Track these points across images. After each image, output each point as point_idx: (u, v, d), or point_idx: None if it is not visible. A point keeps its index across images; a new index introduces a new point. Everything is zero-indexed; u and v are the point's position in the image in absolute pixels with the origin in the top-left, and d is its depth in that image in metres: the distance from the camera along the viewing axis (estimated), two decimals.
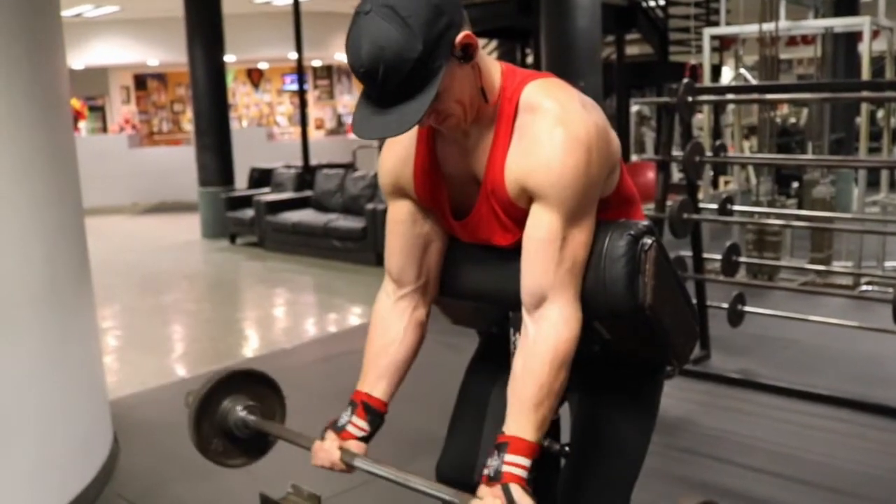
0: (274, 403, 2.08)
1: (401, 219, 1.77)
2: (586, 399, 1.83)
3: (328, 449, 1.78)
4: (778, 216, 6.00)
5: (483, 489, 1.52)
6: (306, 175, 10.22)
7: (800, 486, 3.32)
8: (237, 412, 1.95)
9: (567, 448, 1.81)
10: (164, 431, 4.17)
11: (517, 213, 1.59)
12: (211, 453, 1.99)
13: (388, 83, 1.45)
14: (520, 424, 1.54)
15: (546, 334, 1.55)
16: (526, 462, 1.51)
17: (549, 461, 1.81)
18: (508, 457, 1.51)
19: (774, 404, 4.17)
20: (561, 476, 1.82)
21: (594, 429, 1.80)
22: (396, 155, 1.75)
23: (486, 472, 1.54)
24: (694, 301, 1.90)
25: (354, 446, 1.79)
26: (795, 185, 8.62)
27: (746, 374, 4.49)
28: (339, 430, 1.82)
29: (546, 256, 1.54)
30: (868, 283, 6.10)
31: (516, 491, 1.47)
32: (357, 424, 1.83)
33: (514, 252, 1.60)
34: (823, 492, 3.27)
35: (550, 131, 1.52)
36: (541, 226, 1.55)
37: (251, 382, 2.04)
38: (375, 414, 1.85)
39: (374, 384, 1.87)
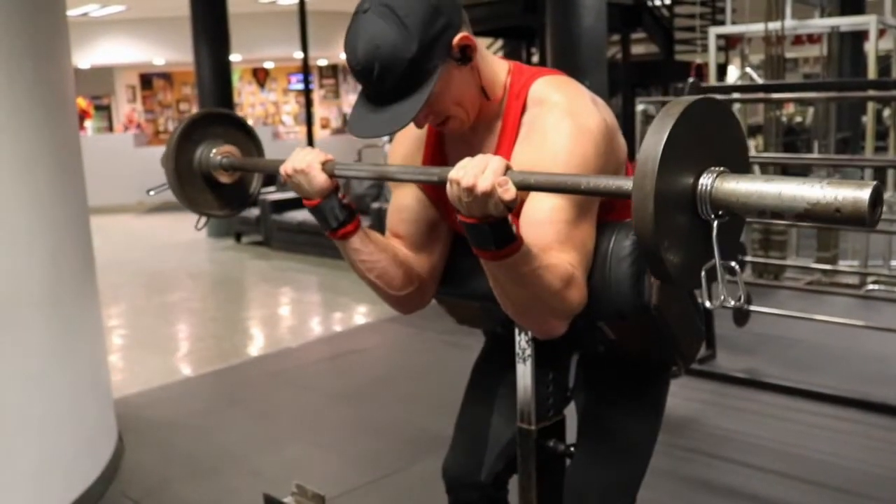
0: (251, 150, 2.02)
1: (407, 202, 1.76)
2: (592, 399, 1.83)
3: (311, 153, 1.63)
4: None
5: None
6: None
7: (805, 486, 3.31)
8: (212, 155, 1.90)
9: (573, 448, 1.81)
10: (169, 430, 4.18)
11: (521, 209, 1.59)
12: (193, 201, 1.92)
13: (382, 82, 1.46)
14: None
15: (555, 257, 1.47)
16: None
17: (555, 461, 1.81)
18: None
19: (780, 404, 4.16)
20: (567, 476, 1.81)
21: (600, 428, 1.80)
22: (406, 148, 1.75)
23: None
24: (699, 302, 1.89)
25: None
26: None
27: (752, 374, 4.48)
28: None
29: (549, 234, 1.49)
30: (874, 283, 6.09)
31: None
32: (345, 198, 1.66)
33: None
34: (829, 491, 3.26)
35: (558, 122, 1.52)
36: (543, 208, 1.50)
37: (225, 127, 1.97)
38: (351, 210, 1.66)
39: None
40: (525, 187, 1.33)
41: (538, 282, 1.43)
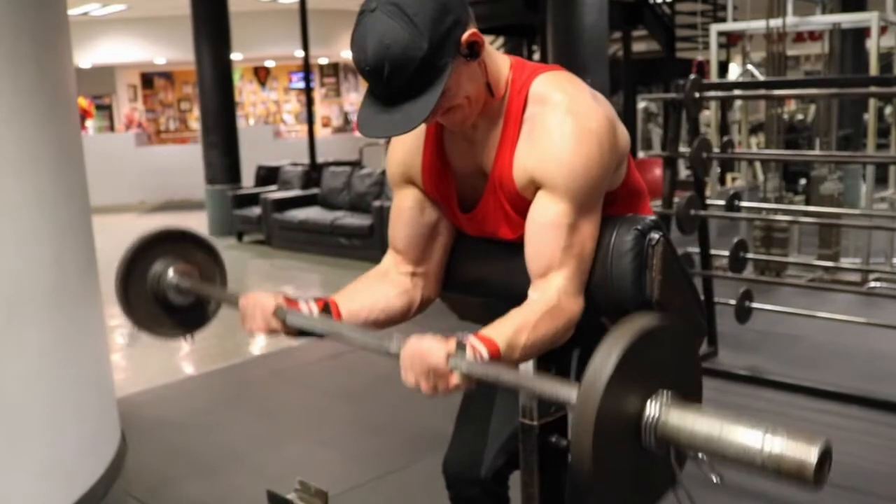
0: (213, 270, 1.98)
1: (408, 205, 1.77)
2: None
3: (263, 301, 1.69)
4: (785, 212, 5.98)
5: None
6: (313, 173, 10.22)
7: None
8: (168, 274, 1.86)
9: None
10: (172, 429, 4.18)
11: (524, 206, 1.59)
12: (141, 319, 1.89)
13: (393, 81, 1.45)
14: (492, 329, 1.47)
15: (547, 297, 1.53)
16: (483, 349, 1.41)
17: (557, 457, 1.81)
18: (472, 339, 1.44)
19: (782, 401, 4.16)
20: (570, 471, 1.81)
21: None
22: (406, 146, 1.75)
23: None
24: (701, 297, 1.89)
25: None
26: (803, 181, 8.59)
27: (754, 371, 4.48)
28: (288, 300, 1.71)
29: (552, 240, 1.52)
30: (876, 280, 6.08)
31: (469, 350, 1.41)
32: (310, 304, 1.71)
33: (520, 246, 1.60)
34: (832, 488, 3.24)
35: (561, 123, 1.52)
36: (547, 213, 1.53)
37: (186, 246, 1.93)
38: (329, 314, 1.72)
39: (343, 306, 1.75)
40: (471, 374, 1.37)
41: (539, 341, 1.50)
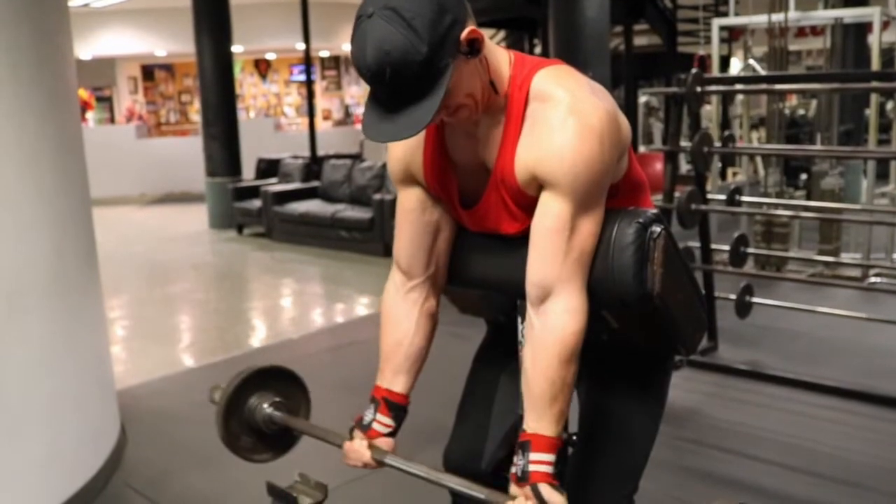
0: (299, 399, 2.11)
1: (410, 207, 1.77)
2: (594, 388, 1.83)
3: (358, 448, 1.84)
4: (786, 207, 5.98)
5: (514, 489, 1.55)
6: (314, 165, 10.21)
7: (808, 478, 3.31)
8: (264, 409, 1.97)
9: (575, 437, 1.81)
10: (172, 421, 4.19)
11: (525, 201, 1.59)
12: (240, 450, 2.00)
13: (395, 86, 1.45)
14: (539, 422, 1.55)
15: (553, 327, 1.55)
16: (550, 458, 1.54)
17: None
18: (533, 455, 1.54)
19: (782, 395, 4.16)
20: (569, 465, 1.81)
21: (602, 418, 1.80)
22: (406, 143, 1.74)
23: (513, 470, 1.57)
24: (702, 291, 1.89)
25: (383, 443, 1.86)
26: (804, 176, 8.59)
27: (754, 366, 4.48)
28: (366, 429, 1.87)
29: (553, 247, 1.54)
30: (876, 275, 6.08)
31: (545, 489, 1.51)
32: (382, 421, 1.87)
33: (522, 240, 1.60)
34: (831, 483, 3.27)
35: (562, 120, 1.52)
36: (550, 214, 1.54)
37: (276, 379, 2.05)
38: (398, 408, 1.88)
39: (393, 379, 1.88)
40: None
41: (568, 377, 1.57)
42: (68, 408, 3.24)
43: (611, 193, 1.61)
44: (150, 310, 6.80)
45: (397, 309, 1.85)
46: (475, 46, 1.50)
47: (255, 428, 1.97)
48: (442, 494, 2.01)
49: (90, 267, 3.60)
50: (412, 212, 1.77)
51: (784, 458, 3.46)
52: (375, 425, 1.87)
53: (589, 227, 1.55)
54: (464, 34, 1.47)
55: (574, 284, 1.55)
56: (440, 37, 1.43)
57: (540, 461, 1.53)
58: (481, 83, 1.55)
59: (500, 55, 1.61)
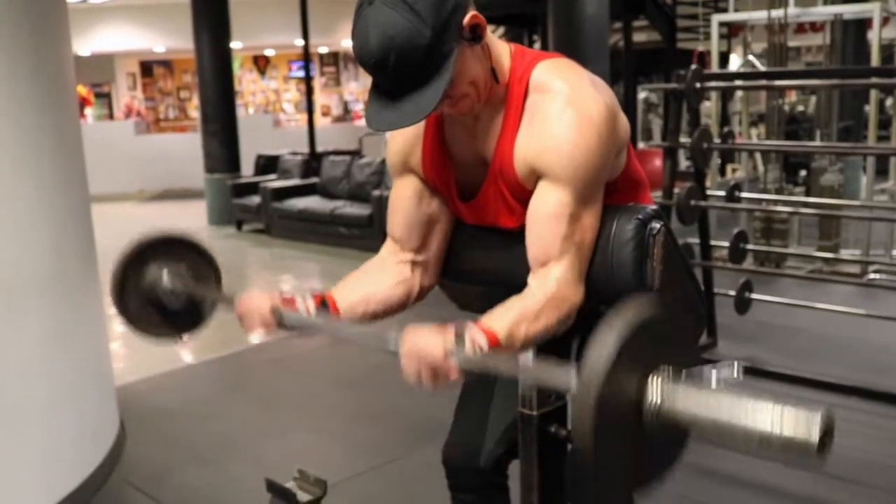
0: (208, 272, 1.97)
1: (407, 195, 1.76)
2: None
3: (257, 303, 1.68)
4: (786, 204, 5.98)
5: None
6: (313, 162, 10.21)
7: (807, 474, 3.31)
8: (163, 277, 1.86)
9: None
10: (171, 417, 4.18)
11: (524, 195, 1.58)
12: (138, 322, 1.91)
13: (399, 72, 1.44)
14: (492, 319, 1.49)
15: (548, 287, 1.53)
16: (483, 340, 1.44)
17: (556, 446, 1.81)
18: (472, 329, 1.46)
19: (781, 392, 4.15)
20: (569, 461, 1.81)
21: None
22: (406, 134, 1.74)
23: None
24: (701, 288, 1.89)
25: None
26: (803, 172, 8.59)
27: (753, 362, 4.48)
28: (284, 298, 1.71)
29: (553, 229, 1.52)
30: (876, 271, 6.08)
31: (468, 342, 1.43)
32: (307, 302, 1.70)
33: (520, 234, 1.60)
34: (830, 480, 3.26)
35: (561, 112, 1.51)
36: (548, 202, 1.53)
37: (180, 250, 1.93)
38: (327, 309, 1.72)
39: (339, 294, 1.75)
40: (468, 366, 1.39)
41: (539, 332, 1.50)
42: (67, 404, 3.24)
43: (610, 190, 1.60)
44: None
45: (380, 266, 1.80)
46: (477, 32, 1.49)
47: (154, 299, 1.87)
48: (441, 491, 2.01)
49: (89, 263, 3.59)
50: (408, 199, 1.76)
51: None
52: (298, 299, 1.70)
53: (588, 219, 1.55)
54: (466, 19, 1.47)
55: (574, 268, 1.54)
56: (444, 20, 1.43)
57: (474, 336, 1.44)
58: (483, 71, 1.54)
59: (500, 47, 1.61)
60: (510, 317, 1.48)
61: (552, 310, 1.52)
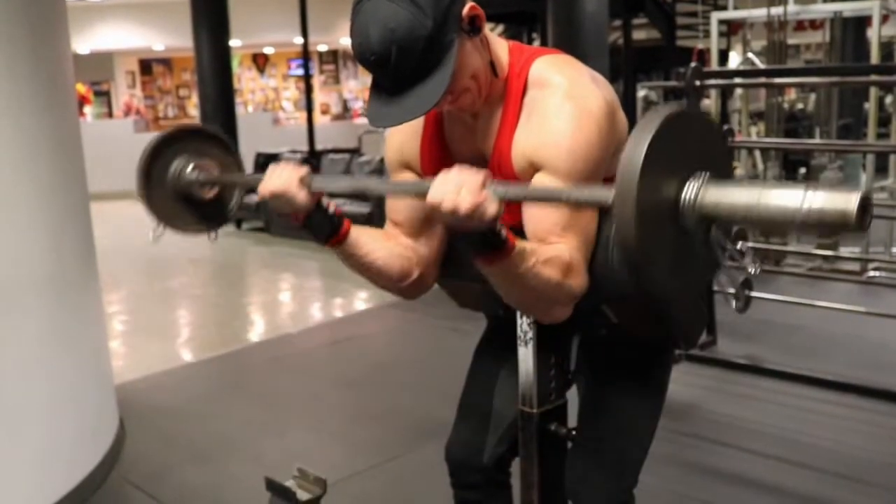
0: (230, 165, 1.98)
1: None
2: (593, 382, 1.83)
3: (291, 165, 1.59)
4: None
5: None
6: (312, 160, 10.19)
7: (806, 472, 3.31)
8: (187, 170, 1.87)
9: (574, 432, 1.81)
10: (170, 416, 4.18)
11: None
12: (164, 215, 1.91)
13: (401, 66, 1.43)
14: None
15: (559, 249, 1.48)
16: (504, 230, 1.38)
17: (556, 444, 1.81)
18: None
19: (781, 390, 4.16)
20: (568, 459, 1.81)
21: (602, 411, 1.80)
22: (404, 131, 1.73)
23: None
24: None
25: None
26: (803, 170, 8.58)
27: (753, 360, 4.48)
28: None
29: (550, 219, 1.49)
30: (875, 269, 6.08)
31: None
32: (331, 204, 1.62)
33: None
34: (830, 477, 3.26)
35: (560, 105, 1.51)
36: None
37: (202, 141, 1.94)
38: (338, 219, 1.63)
39: (353, 232, 1.67)
40: (506, 198, 1.32)
41: (536, 279, 1.44)
42: (67, 403, 3.24)
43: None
44: (149, 304, 6.79)
45: (384, 234, 1.75)
46: (476, 23, 1.49)
47: (182, 193, 1.88)
48: (441, 489, 2.01)
49: (88, 262, 3.59)
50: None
51: (783, 452, 3.46)
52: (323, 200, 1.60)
53: (586, 213, 1.52)
54: (465, 10, 1.47)
55: (578, 253, 1.50)
56: (443, 11, 1.42)
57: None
58: (483, 64, 1.53)
59: (498, 43, 1.61)
60: (527, 243, 1.44)
61: (559, 270, 1.46)
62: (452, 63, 1.44)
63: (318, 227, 1.60)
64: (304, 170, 1.57)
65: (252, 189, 1.67)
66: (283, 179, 1.54)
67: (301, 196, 1.54)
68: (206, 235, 1.97)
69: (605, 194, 1.17)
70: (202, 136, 1.95)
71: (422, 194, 1.33)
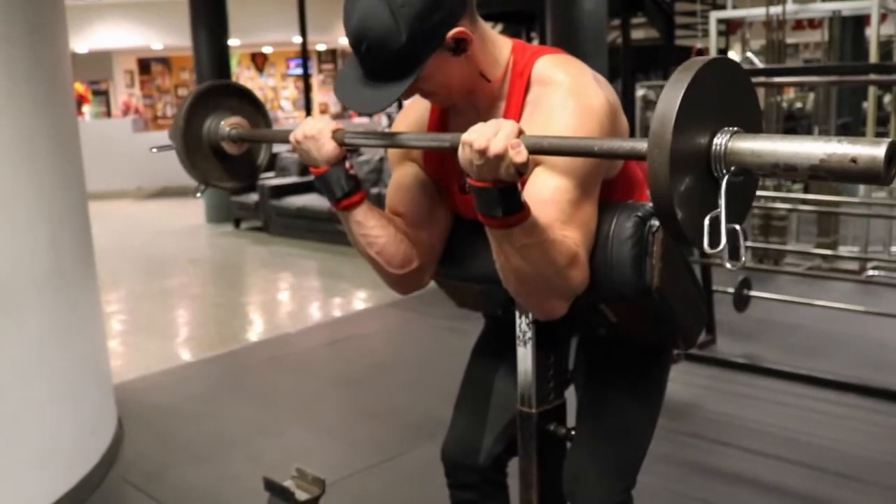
0: (259, 122, 2.03)
1: (408, 180, 1.75)
2: (593, 382, 1.83)
3: (321, 121, 1.61)
4: (784, 200, 5.97)
5: None
6: None
7: (806, 471, 3.31)
8: (221, 126, 1.92)
9: (573, 431, 1.81)
10: (169, 416, 4.18)
11: (522, 188, 1.57)
12: (201, 172, 1.97)
13: (368, 62, 1.48)
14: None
15: (564, 236, 1.47)
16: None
17: (555, 444, 1.81)
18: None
19: (780, 389, 4.16)
20: (567, 459, 1.81)
21: (600, 411, 1.80)
22: (409, 124, 1.75)
23: None
24: (701, 285, 1.88)
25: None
26: None
27: (752, 359, 4.48)
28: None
29: (551, 213, 1.47)
30: (874, 268, 6.08)
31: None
32: (353, 167, 1.65)
33: None
34: (829, 476, 3.26)
35: (563, 102, 1.51)
36: (545, 187, 1.49)
37: (233, 98, 1.99)
38: (357, 180, 1.65)
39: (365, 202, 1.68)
40: (538, 151, 1.34)
41: (543, 256, 1.42)
42: (65, 402, 3.23)
43: (609, 188, 1.59)
44: (147, 304, 6.79)
45: (389, 219, 1.73)
46: (461, 46, 1.49)
47: (215, 147, 1.94)
48: (440, 489, 2.01)
49: (87, 261, 3.59)
50: (409, 185, 1.75)
51: (782, 452, 3.46)
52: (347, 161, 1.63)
53: (587, 208, 1.52)
54: (451, 33, 1.46)
55: (582, 248, 1.49)
56: (424, 31, 1.43)
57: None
58: (461, 77, 1.54)
59: (499, 43, 1.61)
60: (539, 219, 1.42)
61: (564, 253, 1.45)
62: (414, 78, 1.46)
63: (335, 183, 1.62)
64: (338, 124, 1.61)
65: (284, 140, 1.71)
66: (317, 127, 1.59)
67: (329, 145, 1.58)
68: (229, 190, 2.04)
69: (639, 144, 1.20)
70: (234, 91, 1.99)
71: (455, 145, 1.36)
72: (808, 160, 1.09)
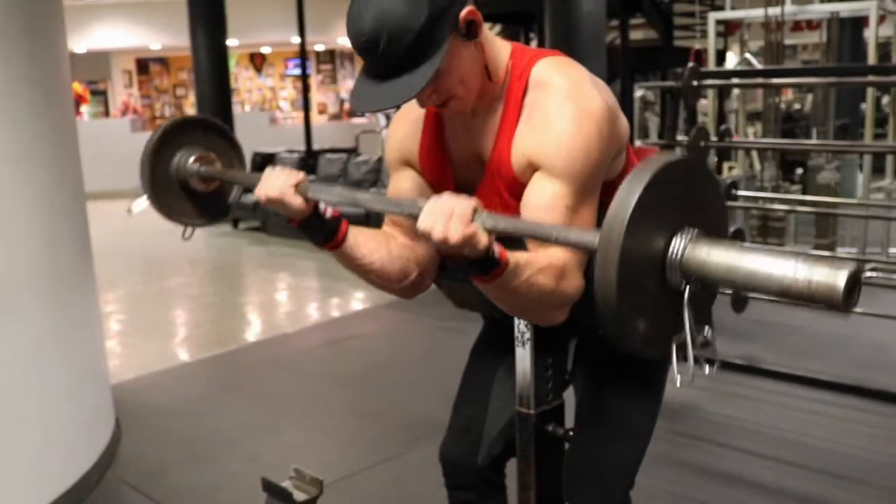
0: (230, 156, 1.99)
1: (405, 186, 1.75)
2: (591, 382, 1.83)
3: (287, 171, 1.59)
4: (782, 202, 5.97)
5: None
6: (309, 160, 10.19)
7: (803, 472, 3.31)
8: (189, 162, 1.88)
9: (571, 432, 1.81)
10: (167, 415, 4.18)
11: (521, 192, 1.57)
12: (168, 209, 1.91)
13: (388, 54, 1.43)
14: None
15: (553, 255, 1.47)
16: (497, 248, 1.37)
17: (553, 445, 1.81)
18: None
19: (778, 390, 4.16)
20: (565, 460, 1.81)
21: (599, 412, 1.80)
22: (405, 130, 1.73)
23: None
24: None
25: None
26: (800, 170, 8.58)
27: (750, 360, 4.48)
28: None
29: (549, 221, 1.47)
30: (872, 270, 6.08)
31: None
32: (328, 210, 1.62)
33: None
34: (827, 477, 3.27)
35: (561, 106, 1.50)
36: (542, 194, 1.49)
37: (205, 132, 1.94)
38: (336, 222, 1.64)
39: (352, 233, 1.67)
40: (496, 231, 1.32)
41: (531, 289, 1.44)
42: (62, 403, 3.23)
43: (608, 190, 1.59)
44: (145, 304, 6.78)
45: (384, 236, 1.73)
46: (472, 28, 1.48)
47: (184, 184, 1.89)
48: (439, 489, 2.00)
49: (84, 261, 3.58)
50: (406, 190, 1.75)
51: (779, 452, 3.46)
52: (321, 204, 1.60)
53: (585, 214, 1.52)
54: (463, 13, 1.46)
55: (575, 257, 1.49)
56: (440, 8, 1.43)
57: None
58: (475, 71, 1.53)
59: (498, 45, 1.60)
60: (520, 255, 1.43)
61: (555, 277, 1.46)
62: (438, 61, 1.44)
63: (314, 231, 1.61)
64: (300, 176, 1.57)
65: (251, 184, 1.69)
66: (279, 186, 1.56)
67: (296, 202, 1.55)
68: (199, 226, 1.97)
69: (591, 238, 1.15)
70: (206, 126, 1.96)
71: (414, 216, 1.34)
72: (767, 286, 1.05)
